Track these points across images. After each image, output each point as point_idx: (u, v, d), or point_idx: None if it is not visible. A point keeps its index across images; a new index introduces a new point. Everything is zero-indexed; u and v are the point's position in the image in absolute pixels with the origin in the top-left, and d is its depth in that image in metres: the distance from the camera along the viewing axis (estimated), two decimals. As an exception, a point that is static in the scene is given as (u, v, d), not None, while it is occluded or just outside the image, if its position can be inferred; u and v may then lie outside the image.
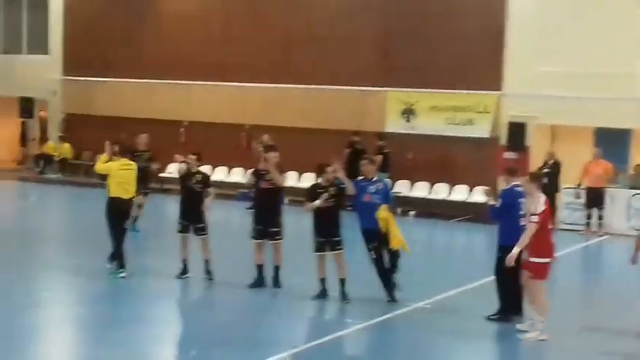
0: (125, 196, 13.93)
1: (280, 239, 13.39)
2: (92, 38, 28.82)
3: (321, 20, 25.19)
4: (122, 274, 13.72)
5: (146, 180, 17.76)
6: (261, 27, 25.98)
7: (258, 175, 13.47)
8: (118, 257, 13.82)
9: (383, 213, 12.40)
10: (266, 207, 13.36)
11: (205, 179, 13.93)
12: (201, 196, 13.71)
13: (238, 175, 25.87)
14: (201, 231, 13.75)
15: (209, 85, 26.56)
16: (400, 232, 12.64)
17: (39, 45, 30.45)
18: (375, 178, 12.83)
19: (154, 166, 18.31)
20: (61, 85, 29.58)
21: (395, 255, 12.70)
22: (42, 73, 29.69)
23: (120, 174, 13.95)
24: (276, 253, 13.42)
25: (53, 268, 14.80)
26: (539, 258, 11.14)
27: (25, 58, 30.76)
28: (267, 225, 13.29)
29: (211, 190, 13.90)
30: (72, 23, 29.42)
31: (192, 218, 13.72)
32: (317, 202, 12.53)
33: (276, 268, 13.43)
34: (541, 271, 11.16)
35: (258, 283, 13.37)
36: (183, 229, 13.82)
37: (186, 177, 13.82)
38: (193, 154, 13.95)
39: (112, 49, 28.37)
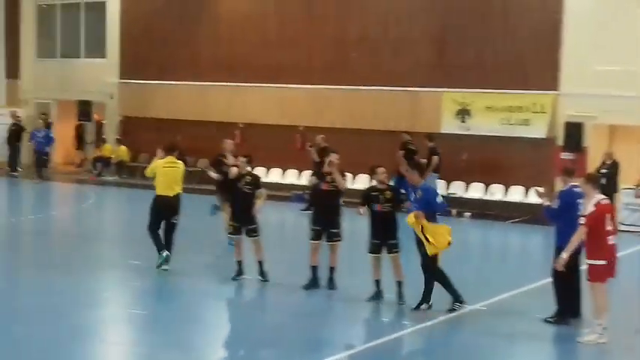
0: (170, 193, 14.16)
1: (339, 240, 13.34)
2: (148, 41, 29.15)
3: (374, 21, 25.13)
4: (164, 254, 14.04)
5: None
6: (315, 29, 26.03)
7: (320, 175, 13.46)
8: (159, 244, 14.12)
9: (409, 219, 12.20)
10: (325, 208, 13.33)
11: (255, 180, 13.89)
12: (252, 197, 13.69)
13: (293, 177, 25.93)
14: (253, 232, 13.73)
15: (264, 86, 26.66)
16: (437, 236, 12.13)
17: (96, 49, 30.89)
18: (420, 185, 12.49)
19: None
20: (118, 88, 29.95)
21: (427, 268, 12.37)
22: (99, 76, 30.10)
23: (164, 171, 14.15)
24: (333, 255, 13.38)
25: (112, 268, 14.95)
26: (594, 260, 10.95)
27: (83, 62, 31.22)
28: (326, 226, 13.27)
29: (262, 191, 13.89)
30: (128, 27, 29.77)
31: (243, 220, 13.72)
32: (361, 211, 12.50)
33: (332, 270, 13.38)
34: (596, 274, 10.96)
35: (313, 284, 13.36)
36: (235, 231, 13.85)
37: (236, 179, 13.83)
38: (244, 156, 13.98)
39: (168, 52, 28.65)
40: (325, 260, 13.43)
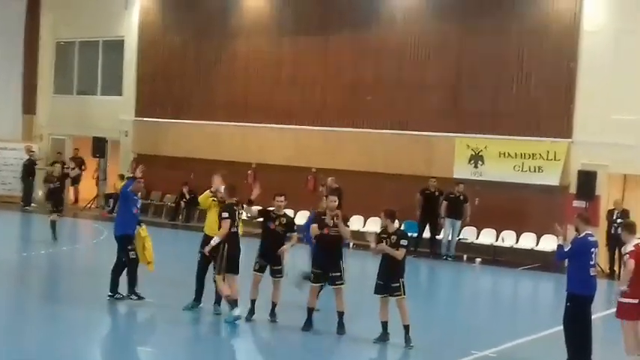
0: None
1: (342, 284, 13.20)
2: (164, 80, 29.40)
3: (389, 66, 25.24)
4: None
5: None
6: (330, 71, 26.19)
7: (320, 220, 13.32)
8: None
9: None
10: (327, 252, 13.17)
11: (290, 223, 13.73)
12: (283, 239, 13.52)
13: (304, 218, 25.84)
14: (278, 273, 13.58)
15: (277, 127, 26.78)
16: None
17: (113, 86, 31.15)
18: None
19: None
20: (132, 126, 30.12)
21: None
22: (115, 113, 30.31)
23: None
24: (339, 299, 13.24)
25: (116, 305, 14.89)
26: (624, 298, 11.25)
27: (99, 99, 31.48)
28: (327, 269, 13.14)
29: (294, 234, 13.65)
30: (145, 66, 30.04)
31: (270, 259, 13.52)
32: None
33: (340, 314, 13.18)
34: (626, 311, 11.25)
35: (308, 325, 13.25)
36: (260, 269, 13.63)
37: (272, 218, 13.64)
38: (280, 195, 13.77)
39: (184, 91, 28.90)
40: (332, 304, 13.31)
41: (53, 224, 21.40)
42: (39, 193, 22.55)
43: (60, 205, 22.16)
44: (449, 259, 22.83)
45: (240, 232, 13.66)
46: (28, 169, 29.81)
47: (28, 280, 17.50)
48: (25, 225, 27.53)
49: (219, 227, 13.28)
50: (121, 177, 28.42)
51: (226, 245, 13.27)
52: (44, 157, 31.01)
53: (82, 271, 18.69)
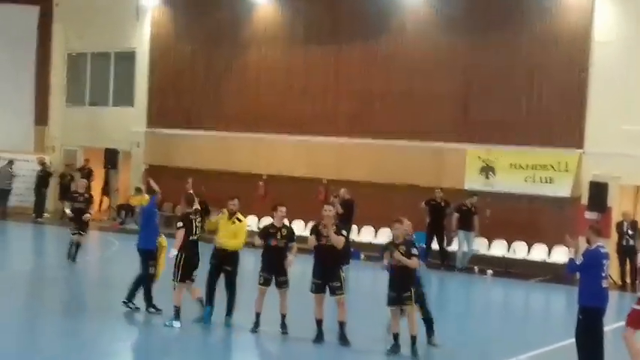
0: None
1: (342, 293, 13.11)
2: (176, 91, 29.48)
3: (400, 76, 25.25)
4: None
5: None
6: (341, 81, 26.20)
7: (317, 230, 13.23)
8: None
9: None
10: (325, 261, 13.10)
11: (290, 234, 13.71)
12: (285, 250, 13.51)
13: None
14: (284, 284, 13.54)
15: (288, 138, 26.79)
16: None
17: (124, 97, 31.24)
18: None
19: None
20: (144, 137, 30.20)
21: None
22: (126, 124, 30.40)
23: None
24: (340, 308, 13.18)
25: (129, 317, 14.91)
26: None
27: (111, 110, 31.57)
28: (326, 279, 13.05)
29: (294, 244, 13.61)
30: (157, 76, 30.14)
31: (275, 271, 13.50)
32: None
33: (341, 325, 13.10)
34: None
35: (319, 337, 13.19)
36: (265, 283, 13.63)
37: (271, 232, 13.61)
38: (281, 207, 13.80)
39: (195, 102, 28.96)
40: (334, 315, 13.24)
41: (77, 246, 19.89)
42: (67, 211, 21.08)
43: (86, 226, 20.35)
44: (463, 271, 22.76)
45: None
46: (42, 181, 29.94)
47: (40, 291, 17.49)
48: (37, 236, 27.60)
49: (176, 237, 13.77)
50: (138, 190, 28.34)
51: (183, 254, 13.64)
52: (56, 168, 31.12)
53: (94, 283, 18.73)
